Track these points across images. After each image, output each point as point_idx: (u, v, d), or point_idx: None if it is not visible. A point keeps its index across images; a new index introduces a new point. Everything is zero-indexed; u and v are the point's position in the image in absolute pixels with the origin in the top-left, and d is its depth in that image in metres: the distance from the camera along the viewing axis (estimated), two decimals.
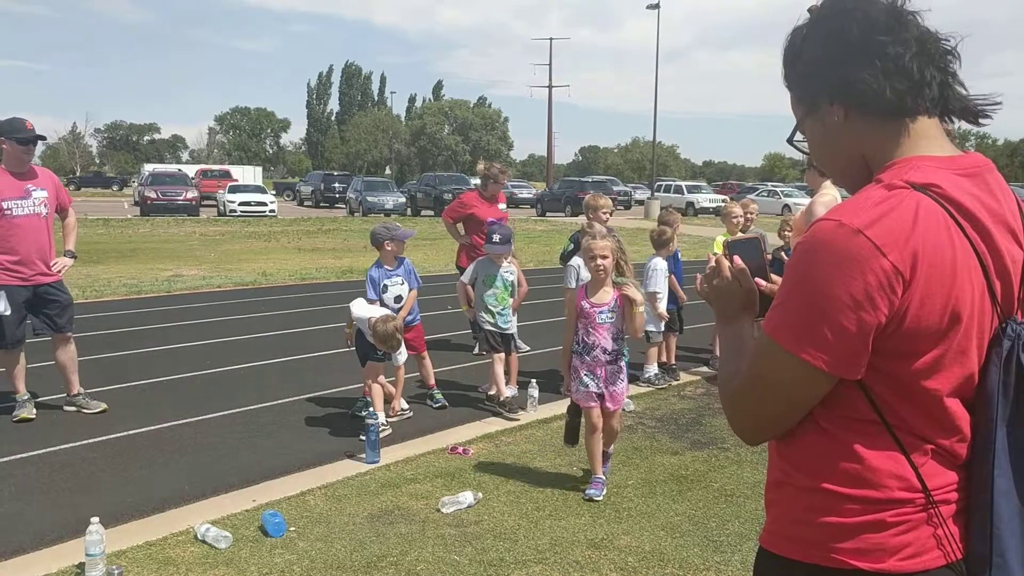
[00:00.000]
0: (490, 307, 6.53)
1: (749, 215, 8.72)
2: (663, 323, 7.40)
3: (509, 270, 6.65)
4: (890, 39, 1.40)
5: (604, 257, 4.66)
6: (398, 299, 6.31)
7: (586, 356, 4.73)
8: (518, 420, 6.26)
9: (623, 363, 4.85)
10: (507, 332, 6.63)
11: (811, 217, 6.90)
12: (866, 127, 1.45)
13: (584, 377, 4.74)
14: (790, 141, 1.61)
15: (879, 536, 1.39)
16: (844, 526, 1.40)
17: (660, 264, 7.32)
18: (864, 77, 1.41)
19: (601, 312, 4.70)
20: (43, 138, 6.24)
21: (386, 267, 6.37)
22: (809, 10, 1.50)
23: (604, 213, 7.37)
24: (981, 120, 1.49)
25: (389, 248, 6.34)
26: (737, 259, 1.62)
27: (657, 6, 44.96)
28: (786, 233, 8.64)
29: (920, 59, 1.40)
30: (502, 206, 8.33)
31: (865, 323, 1.31)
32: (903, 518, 1.38)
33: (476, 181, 43.14)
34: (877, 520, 1.38)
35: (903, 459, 1.39)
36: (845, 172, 1.53)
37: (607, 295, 4.74)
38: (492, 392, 6.64)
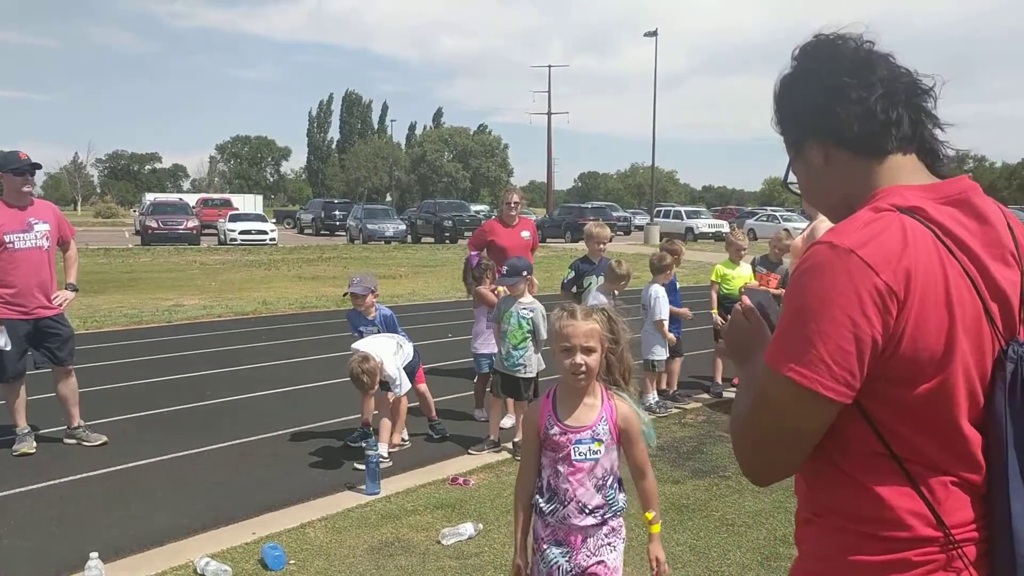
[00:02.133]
0: (501, 345, 6.21)
1: (777, 251, 8.48)
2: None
3: (529, 308, 6.12)
4: (855, 81, 1.45)
5: (587, 350, 2.78)
6: None
7: (550, 516, 2.86)
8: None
9: (616, 523, 2.94)
10: (515, 375, 6.12)
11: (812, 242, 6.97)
12: (845, 166, 1.50)
13: (548, 550, 2.90)
14: (784, 183, 1.66)
15: None
16: (871, 565, 1.40)
17: (660, 291, 7.33)
18: (833, 118, 1.46)
19: (580, 442, 2.80)
20: (38, 166, 6.17)
21: (363, 314, 6.37)
22: (793, 57, 1.56)
23: (601, 245, 7.40)
24: (937, 168, 1.52)
25: (354, 300, 6.32)
26: (746, 298, 1.68)
27: (655, 33, 45.34)
28: (776, 251, 8.66)
29: (886, 100, 1.45)
30: (525, 233, 8.11)
31: (862, 342, 1.32)
32: (928, 558, 1.38)
33: (476, 208, 43.10)
34: (902, 559, 1.39)
35: (917, 498, 1.39)
36: (832, 211, 1.57)
37: (591, 412, 2.83)
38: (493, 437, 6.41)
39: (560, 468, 2.81)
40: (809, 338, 1.34)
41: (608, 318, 2.87)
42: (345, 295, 6.43)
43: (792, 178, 1.65)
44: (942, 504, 1.39)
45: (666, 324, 7.27)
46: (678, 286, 7.99)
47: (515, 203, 8.09)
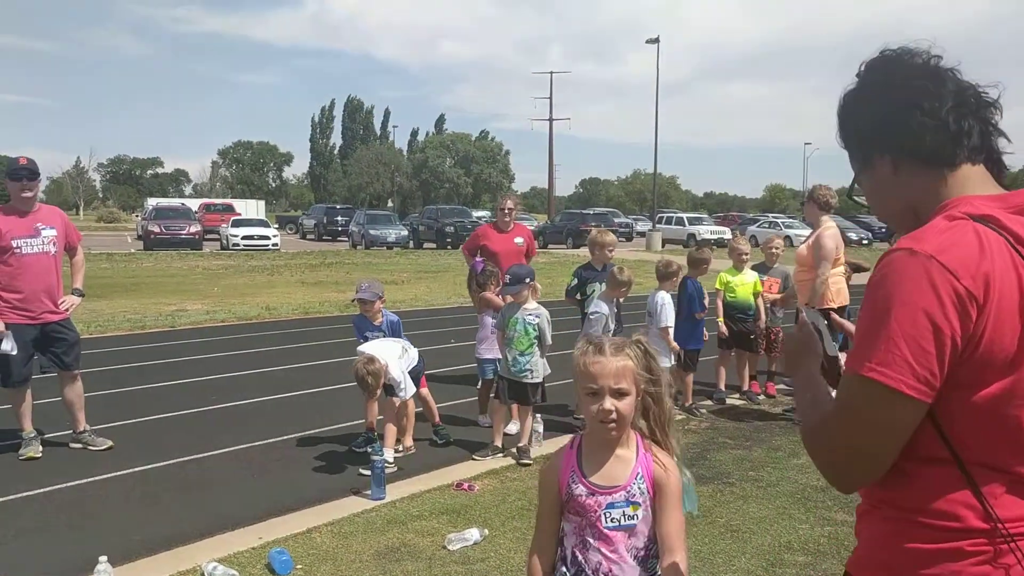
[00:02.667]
0: (506, 352, 6.25)
1: (774, 250, 8.70)
2: (674, 358, 7.41)
3: (534, 314, 6.15)
4: (927, 94, 1.51)
5: (619, 393, 2.20)
6: None
7: None
8: (529, 463, 6.11)
9: None
10: (522, 380, 6.16)
11: (819, 250, 6.96)
12: (913, 177, 1.55)
13: None
14: (849, 195, 1.75)
15: (957, 565, 1.43)
16: (925, 552, 1.45)
17: (667, 298, 7.30)
18: (906, 130, 1.51)
19: (612, 506, 2.24)
20: (34, 173, 6.08)
21: (369, 320, 6.42)
22: (858, 75, 1.63)
23: (609, 251, 7.41)
24: (1001, 178, 1.58)
25: (362, 307, 6.37)
26: (803, 315, 1.81)
27: (657, 40, 45.43)
28: (770, 256, 8.69)
29: (956, 112, 1.50)
30: (519, 239, 8.17)
31: (943, 344, 1.36)
32: (979, 548, 1.42)
33: (478, 214, 43.21)
34: (956, 548, 1.43)
35: (971, 493, 1.43)
36: (898, 221, 1.62)
37: (624, 468, 2.27)
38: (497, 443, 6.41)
39: (588, 538, 2.25)
40: (892, 339, 1.38)
41: (644, 352, 2.28)
42: (353, 301, 6.46)
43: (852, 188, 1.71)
44: (997, 499, 1.43)
45: (671, 332, 7.26)
46: (704, 294, 7.90)
47: (509, 209, 8.13)
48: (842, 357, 1.75)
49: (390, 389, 6.01)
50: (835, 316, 2.01)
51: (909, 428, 1.42)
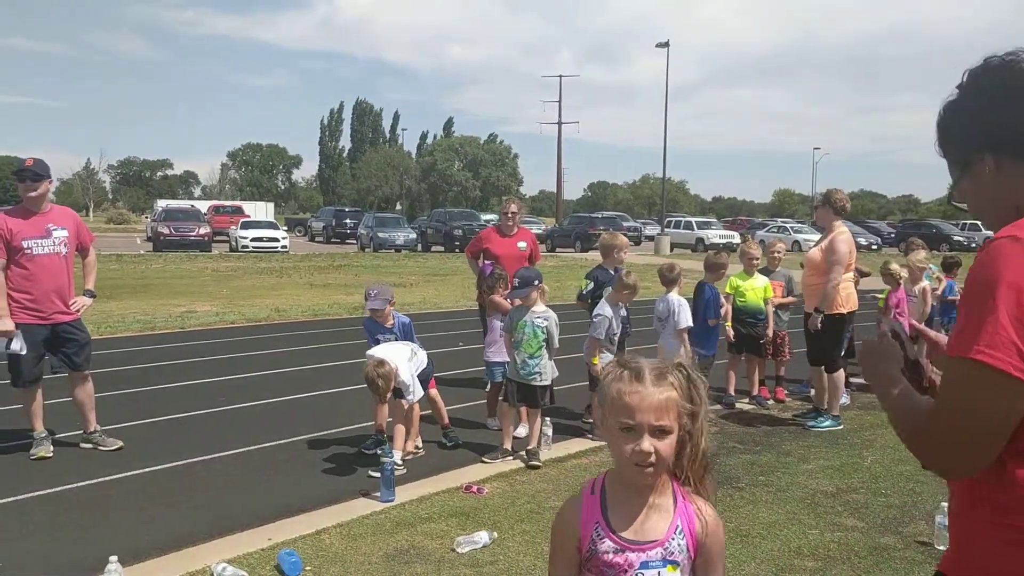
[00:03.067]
0: (515, 355, 6.25)
1: (776, 254, 8.77)
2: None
3: (542, 317, 6.18)
4: None
5: (661, 432, 1.78)
6: None
7: None
8: (539, 466, 6.12)
9: None
10: (530, 383, 6.18)
11: (832, 255, 6.93)
12: (1017, 175, 1.59)
13: None
14: (949, 201, 1.80)
15: None
16: (1020, 556, 1.45)
17: (683, 300, 7.22)
18: (1014, 130, 1.56)
19: (647, 565, 1.83)
20: (37, 174, 6.05)
21: (380, 323, 6.42)
22: (959, 86, 1.68)
23: (622, 253, 7.40)
24: None
25: (374, 315, 6.37)
26: (883, 325, 1.83)
27: (666, 44, 45.43)
28: (773, 260, 8.70)
29: None
30: (522, 244, 8.16)
31: None
32: None
33: (487, 217, 43.21)
34: None
35: None
36: (1002, 222, 1.62)
37: (661, 521, 1.85)
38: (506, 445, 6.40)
39: None
40: (999, 321, 1.40)
41: (687, 378, 1.85)
42: (364, 312, 6.43)
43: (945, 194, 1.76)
44: None
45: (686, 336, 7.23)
46: (721, 301, 7.93)
47: (512, 213, 8.12)
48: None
49: (399, 392, 6.02)
50: (915, 323, 2.03)
51: (1018, 412, 1.43)
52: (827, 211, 7.15)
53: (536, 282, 6.19)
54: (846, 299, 7.12)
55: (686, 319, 7.08)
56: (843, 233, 7.07)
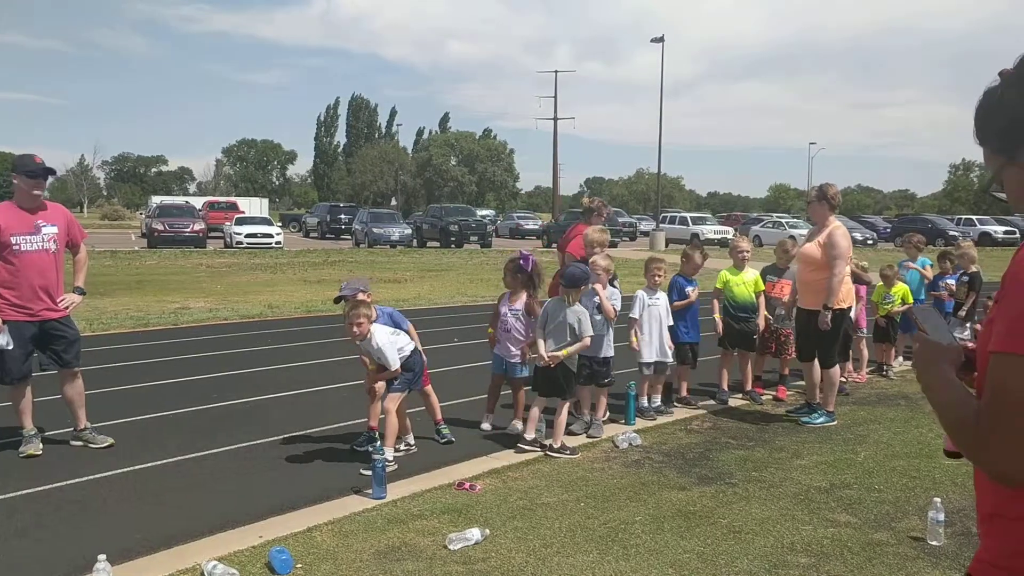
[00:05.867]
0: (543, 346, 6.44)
1: (742, 255, 8.46)
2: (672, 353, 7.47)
3: (579, 311, 6.44)
4: None
5: None
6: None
7: None
8: (578, 454, 6.29)
9: None
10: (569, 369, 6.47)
11: (833, 249, 6.87)
12: None
13: None
14: (987, 191, 1.74)
15: None
16: None
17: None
18: None
19: None
20: (53, 172, 6.22)
21: None
22: (1001, 73, 1.63)
23: (602, 249, 7.43)
24: None
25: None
26: (919, 325, 1.80)
27: (662, 39, 45.37)
28: (782, 258, 8.66)
29: None
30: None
31: None
32: None
33: (483, 212, 43.18)
34: None
35: None
36: None
37: None
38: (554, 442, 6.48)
39: None
40: None
41: None
42: (337, 301, 6.36)
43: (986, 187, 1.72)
44: None
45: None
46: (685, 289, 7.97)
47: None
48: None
49: (389, 383, 5.99)
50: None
51: None
52: (823, 206, 7.11)
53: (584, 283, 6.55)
54: (847, 294, 7.12)
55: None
56: (840, 227, 7.05)
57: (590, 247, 7.41)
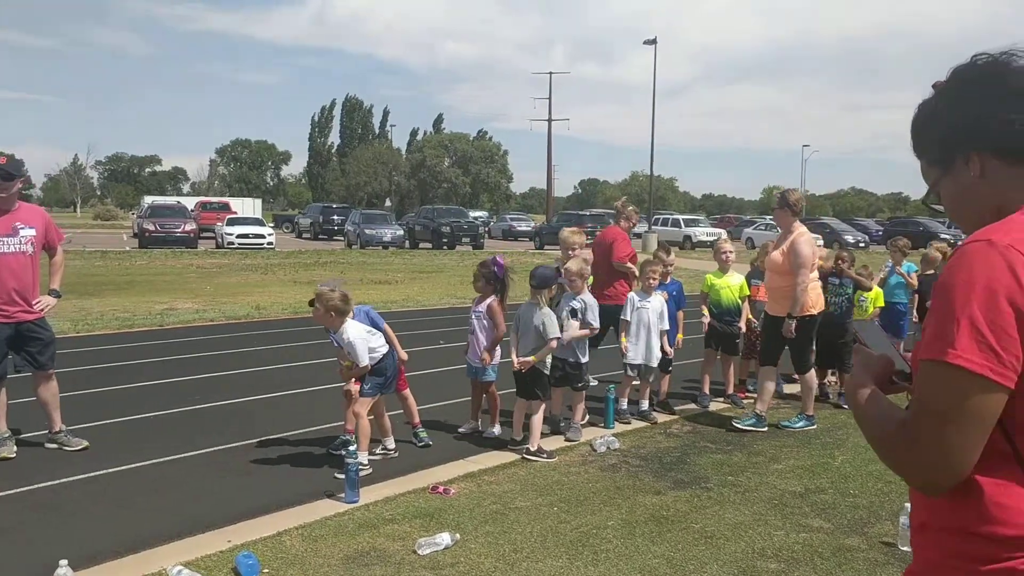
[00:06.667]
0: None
1: (725, 255, 8.46)
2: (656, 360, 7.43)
3: (546, 312, 6.50)
4: None
5: None
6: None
7: None
8: (555, 457, 6.28)
9: None
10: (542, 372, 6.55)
11: (797, 257, 6.83)
12: (1001, 177, 1.56)
13: None
14: (925, 202, 1.74)
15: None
16: (981, 559, 1.42)
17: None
18: (1010, 125, 1.52)
19: None
20: (7, 173, 5.98)
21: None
22: (935, 86, 1.64)
23: (575, 252, 7.46)
24: None
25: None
26: (860, 336, 1.83)
27: (654, 42, 45.41)
28: (763, 262, 8.56)
29: None
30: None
31: (1022, 326, 1.37)
32: None
33: (475, 214, 43.28)
34: (1009, 568, 1.40)
35: None
36: (981, 224, 1.60)
37: None
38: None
39: None
40: (974, 324, 1.38)
41: None
42: (312, 303, 6.28)
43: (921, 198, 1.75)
44: None
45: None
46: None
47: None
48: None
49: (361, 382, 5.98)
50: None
51: (994, 416, 1.40)
52: (786, 213, 7.03)
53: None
54: (816, 300, 7.08)
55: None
56: (804, 234, 6.97)
57: (563, 249, 7.45)
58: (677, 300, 7.93)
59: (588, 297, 6.90)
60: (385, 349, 6.16)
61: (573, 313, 6.75)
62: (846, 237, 44.68)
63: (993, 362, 1.36)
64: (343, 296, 5.87)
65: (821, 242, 39.95)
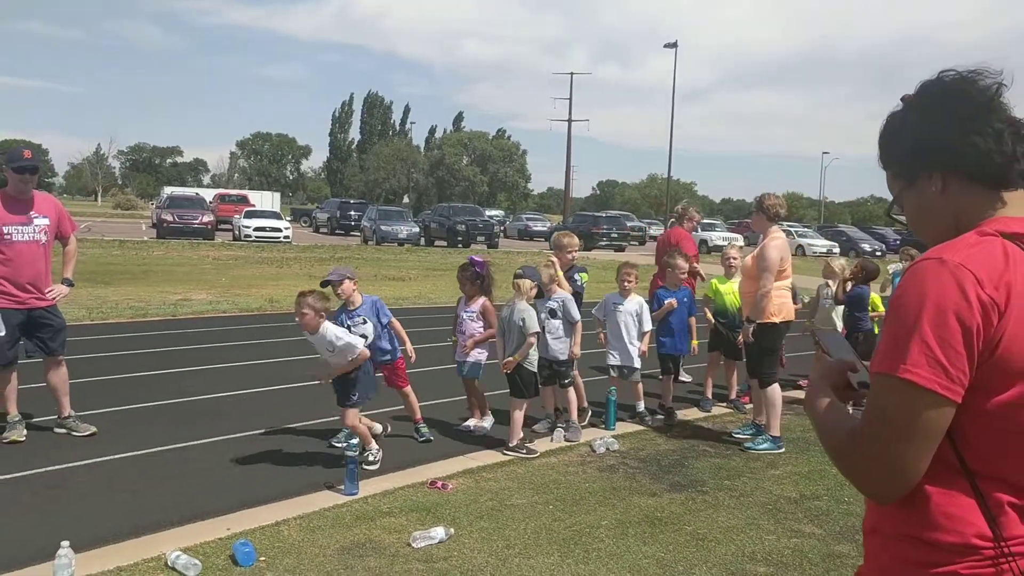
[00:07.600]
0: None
1: (731, 261, 8.56)
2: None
3: (523, 308, 6.61)
4: (991, 117, 1.57)
5: None
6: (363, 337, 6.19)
7: None
8: (536, 453, 6.40)
9: None
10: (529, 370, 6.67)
11: (763, 262, 6.67)
12: (961, 195, 1.60)
13: None
14: (888, 213, 1.80)
15: None
16: (927, 565, 1.47)
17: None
18: (971, 148, 1.56)
19: None
20: (35, 167, 6.23)
21: (345, 306, 6.43)
22: (903, 99, 1.68)
23: (570, 253, 7.52)
24: None
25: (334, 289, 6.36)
26: (821, 343, 1.87)
27: (675, 45, 45.36)
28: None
29: (1014, 137, 1.57)
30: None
31: (971, 347, 1.42)
32: (976, 572, 1.45)
33: (491, 212, 43.30)
34: (952, 572, 1.45)
35: (975, 505, 1.46)
36: (939, 238, 1.64)
37: None
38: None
39: None
40: (924, 340, 1.43)
41: None
42: (324, 285, 6.36)
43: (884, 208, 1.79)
44: (1004, 516, 1.46)
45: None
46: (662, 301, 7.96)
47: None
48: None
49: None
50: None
51: (942, 430, 1.45)
52: (760, 217, 6.84)
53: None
54: (779, 308, 6.70)
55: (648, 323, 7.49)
56: (775, 239, 6.70)
57: (556, 251, 7.57)
58: (688, 307, 7.91)
59: (562, 295, 6.95)
60: (370, 330, 6.27)
61: (552, 313, 6.84)
62: (863, 246, 44.48)
63: (942, 377, 1.41)
64: (320, 295, 5.85)
65: (837, 250, 39.74)
